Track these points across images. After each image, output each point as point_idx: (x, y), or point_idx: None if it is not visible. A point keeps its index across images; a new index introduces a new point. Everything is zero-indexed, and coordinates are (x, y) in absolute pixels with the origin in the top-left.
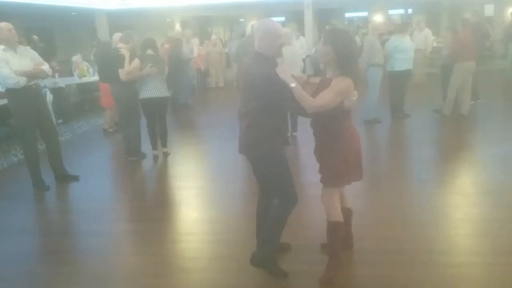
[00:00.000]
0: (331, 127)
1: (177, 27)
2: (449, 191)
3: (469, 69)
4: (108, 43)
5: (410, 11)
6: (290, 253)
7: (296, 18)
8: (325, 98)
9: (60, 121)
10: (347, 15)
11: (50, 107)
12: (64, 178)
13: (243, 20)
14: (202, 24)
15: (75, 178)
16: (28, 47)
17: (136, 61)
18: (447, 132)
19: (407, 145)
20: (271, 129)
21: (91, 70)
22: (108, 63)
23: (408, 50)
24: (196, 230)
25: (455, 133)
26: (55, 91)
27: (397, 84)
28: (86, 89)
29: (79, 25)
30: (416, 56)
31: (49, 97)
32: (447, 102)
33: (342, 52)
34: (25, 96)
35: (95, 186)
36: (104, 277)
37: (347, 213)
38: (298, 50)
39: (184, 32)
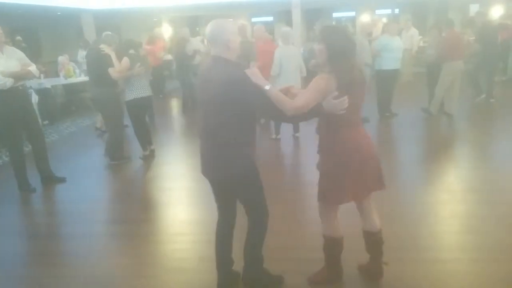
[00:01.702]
0: (324, 135)
1: (158, 28)
2: (436, 189)
3: (457, 69)
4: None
5: (397, 11)
6: (289, 252)
7: (284, 18)
8: (304, 97)
9: (46, 122)
10: (335, 15)
11: (35, 108)
12: (50, 180)
13: (231, 20)
14: (189, 24)
15: (62, 180)
16: (15, 48)
17: (126, 60)
18: (434, 130)
19: (395, 144)
20: (247, 144)
21: (77, 70)
22: (90, 64)
23: (396, 49)
24: (185, 230)
25: (442, 132)
26: (41, 92)
27: (384, 83)
28: (72, 90)
29: (64, 26)
30: (403, 55)
31: (35, 98)
32: (434, 101)
33: (333, 49)
34: (11, 97)
35: (82, 188)
36: (91, 279)
37: (366, 236)
38: (295, 51)
39: (182, 31)
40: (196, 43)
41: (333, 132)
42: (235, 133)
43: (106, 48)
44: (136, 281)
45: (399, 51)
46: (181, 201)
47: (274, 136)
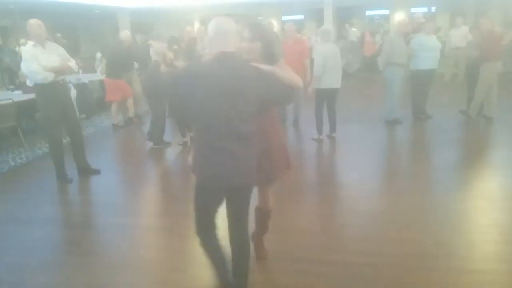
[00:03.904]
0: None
1: (190, 26)
2: (474, 195)
3: (495, 70)
4: (120, 41)
5: (433, 9)
6: (322, 253)
7: (315, 16)
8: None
9: (83, 116)
10: (368, 13)
11: (74, 102)
12: (86, 171)
13: (261, 18)
14: None
15: (97, 172)
16: (56, 44)
17: (171, 54)
18: (471, 134)
19: (429, 147)
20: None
21: None
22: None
23: (433, 49)
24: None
25: (480, 136)
26: (79, 87)
27: (419, 83)
28: None
29: (102, 23)
30: (456, 54)
31: (73, 92)
32: (473, 103)
33: (270, 48)
34: (52, 91)
35: (116, 180)
36: (124, 270)
37: (256, 211)
38: (336, 49)
39: (199, 29)
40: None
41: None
42: (255, 130)
43: (154, 44)
44: (169, 274)
45: (435, 51)
46: None
47: (316, 137)
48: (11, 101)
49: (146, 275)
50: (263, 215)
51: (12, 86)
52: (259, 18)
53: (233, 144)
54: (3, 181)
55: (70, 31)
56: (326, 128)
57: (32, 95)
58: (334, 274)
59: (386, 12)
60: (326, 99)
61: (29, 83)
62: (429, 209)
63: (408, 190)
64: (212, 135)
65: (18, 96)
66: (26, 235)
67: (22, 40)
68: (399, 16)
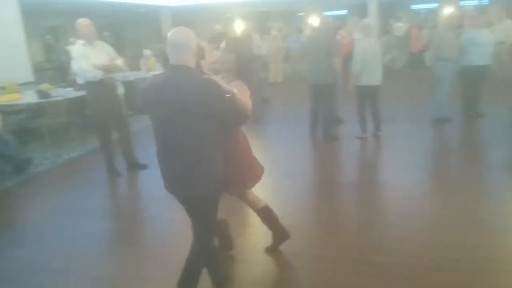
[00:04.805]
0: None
1: (219, 25)
2: None
3: None
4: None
5: (485, 1)
6: (360, 253)
7: (359, 11)
8: (248, 100)
9: (130, 113)
10: (414, 6)
11: (122, 99)
12: (134, 166)
13: (302, 14)
14: (261, 19)
15: (144, 167)
16: (104, 43)
17: (215, 53)
18: None
19: (480, 147)
20: (218, 160)
21: (158, 64)
22: None
23: (484, 43)
24: (255, 223)
25: None
26: (126, 84)
27: (471, 80)
28: None
29: (145, 22)
30: (497, 49)
31: (121, 90)
32: None
33: (244, 61)
34: (101, 88)
35: None
36: (169, 262)
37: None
38: (378, 44)
39: (245, 28)
40: (257, 41)
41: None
42: (209, 147)
43: (199, 42)
44: None
45: (488, 46)
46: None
47: (360, 135)
48: (63, 98)
49: None
50: (259, 215)
51: (63, 84)
52: (299, 14)
53: (177, 157)
54: (57, 174)
55: (116, 30)
56: (371, 127)
57: (82, 92)
58: (378, 275)
59: (432, 5)
60: (367, 97)
61: (79, 80)
62: (481, 212)
63: (456, 191)
64: (159, 147)
65: (69, 93)
66: (80, 226)
67: (71, 39)
68: (448, 10)
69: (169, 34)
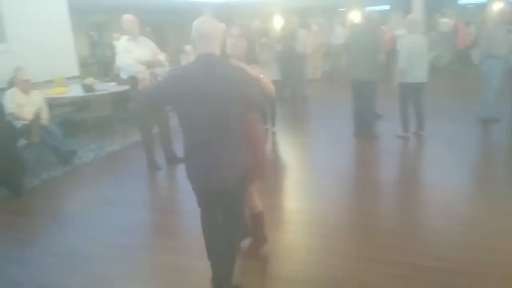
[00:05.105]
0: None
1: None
2: None
3: None
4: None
5: None
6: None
7: (403, 6)
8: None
9: (170, 107)
10: (460, 1)
11: None
12: (173, 160)
13: (344, 9)
14: (301, 15)
15: (183, 160)
16: (147, 38)
17: (256, 49)
18: None
19: None
20: (246, 149)
21: None
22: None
23: None
24: (293, 220)
25: None
26: None
27: None
28: None
29: (187, 18)
30: None
31: None
32: None
33: (252, 48)
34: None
35: None
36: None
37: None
38: (424, 41)
39: (290, 22)
40: (304, 37)
41: None
42: (240, 135)
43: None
44: (243, 261)
45: None
46: (291, 190)
47: (402, 134)
48: (107, 92)
49: None
50: (254, 219)
51: (107, 78)
52: (340, 9)
53: (213, 148)
54: (100, 165)
55: (158, 25)
56: (413, 125)
57: (125, 87)
58: (417, 279)
59: (480, 0)
60: (411, 94)
61: (123, 75)
62: None
63: (501, 195)
64: (193, 139)
65: (113, 87)
66: (120, 216)
67: (116, 35)
68: (498, 4)
69: (199, 24)
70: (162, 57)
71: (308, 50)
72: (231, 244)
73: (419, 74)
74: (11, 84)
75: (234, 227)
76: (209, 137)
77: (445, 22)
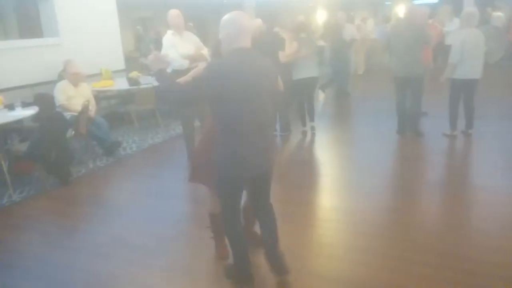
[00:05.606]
0: None
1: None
2: None
3: None
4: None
5: None
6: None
7: None
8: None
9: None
10: None
11: None
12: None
13: (389, 3)
14: (344, 9)
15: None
16: (191, 33)
17: (295, 45)
18: None
19: None
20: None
21: None
22: (265, 47)
23: None
24: (333, 217)
25: None
26: None
27: None
28: None
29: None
30: None
31: None
32: None
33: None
34: None
35: None
36: None
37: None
38: (480, 35)
39: (339, 16)
40: (351, 30)
41: None
42: (273, 121)
43: (281, 32)
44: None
45: None
46: (331, 188)
47: (449, 132)
48: (151, 85)
49: (259, 254)
50: (211, 217)
51: (151, 72)
52: (386, 3)
53: (258, 136)
54: (142, 156)
55: (200, 21)
56: (461, 124)
57: None
58: (458, 284)
59: None
60: (462, 91)
61: (167, 69)
62: None
63: None
64: (240, 129)
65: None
66: (160, 207)
67: (159, 29)
68: None
69: (237, 18)
70: (205, 51)
71: (357, 42)
72: (275, 219)
73: (472, 69)
74: (61, 77)
75: (271, 205)
76: (257, 126)
77: (498, 16)
